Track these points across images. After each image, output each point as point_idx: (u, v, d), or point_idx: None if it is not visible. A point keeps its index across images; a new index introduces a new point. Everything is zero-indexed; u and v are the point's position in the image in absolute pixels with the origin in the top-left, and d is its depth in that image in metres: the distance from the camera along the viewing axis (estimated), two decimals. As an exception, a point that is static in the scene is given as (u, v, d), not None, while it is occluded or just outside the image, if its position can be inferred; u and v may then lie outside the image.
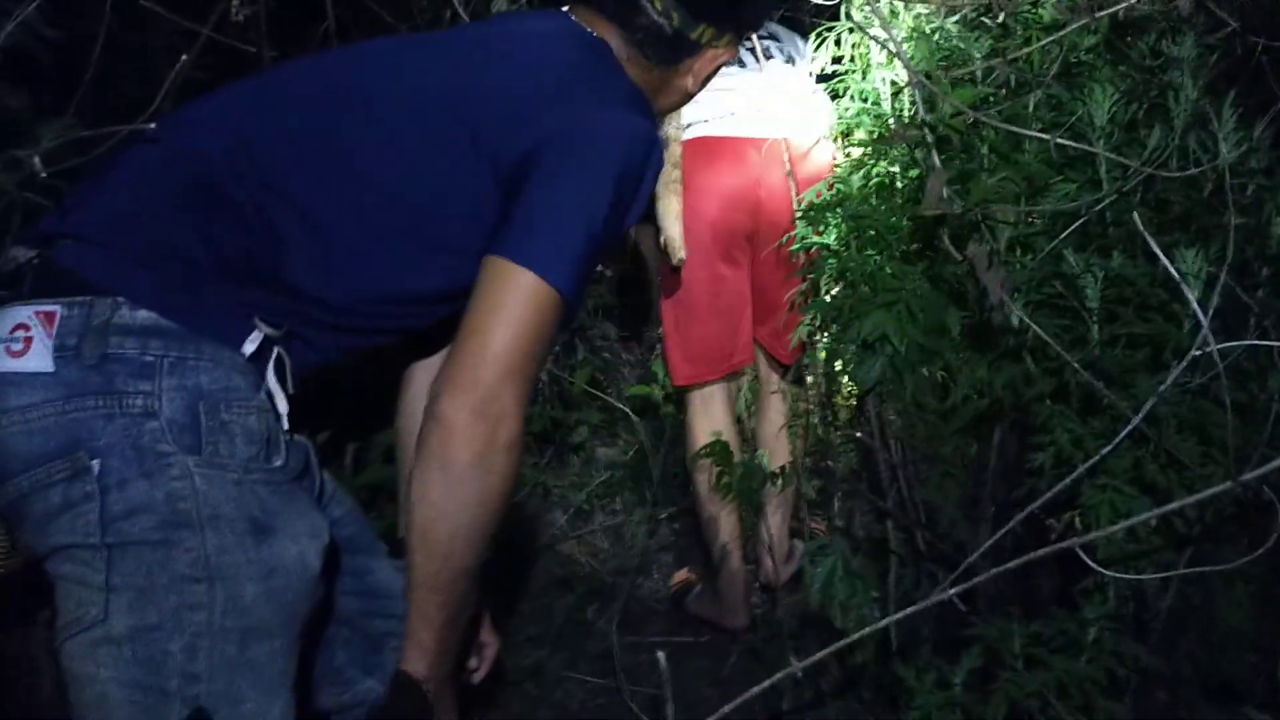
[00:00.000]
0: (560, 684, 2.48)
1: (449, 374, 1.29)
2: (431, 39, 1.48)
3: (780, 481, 2.22)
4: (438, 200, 1.37)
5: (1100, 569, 1.27)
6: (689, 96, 1.56)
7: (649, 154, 1.37)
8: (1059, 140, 1.27)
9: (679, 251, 2.38)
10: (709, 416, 2.60)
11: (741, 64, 2.47)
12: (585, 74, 1.42)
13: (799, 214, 1.79)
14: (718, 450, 2.32)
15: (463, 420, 1.27)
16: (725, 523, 2.60)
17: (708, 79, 1.55)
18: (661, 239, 2.40)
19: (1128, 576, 1.35)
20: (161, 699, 1.20)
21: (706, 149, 2.45)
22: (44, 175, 1.55)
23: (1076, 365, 1.38)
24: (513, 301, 1.29)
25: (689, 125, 2.46)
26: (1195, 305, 1.18)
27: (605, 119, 1.36)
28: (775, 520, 2.63)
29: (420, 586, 1.32)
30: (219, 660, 1.21)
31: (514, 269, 1.29)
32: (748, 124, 2.40)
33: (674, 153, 2.42)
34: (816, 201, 1.77)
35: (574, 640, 2.64)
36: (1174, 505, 1.19)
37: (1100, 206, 1.48)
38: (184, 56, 1.44)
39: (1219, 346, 1.19)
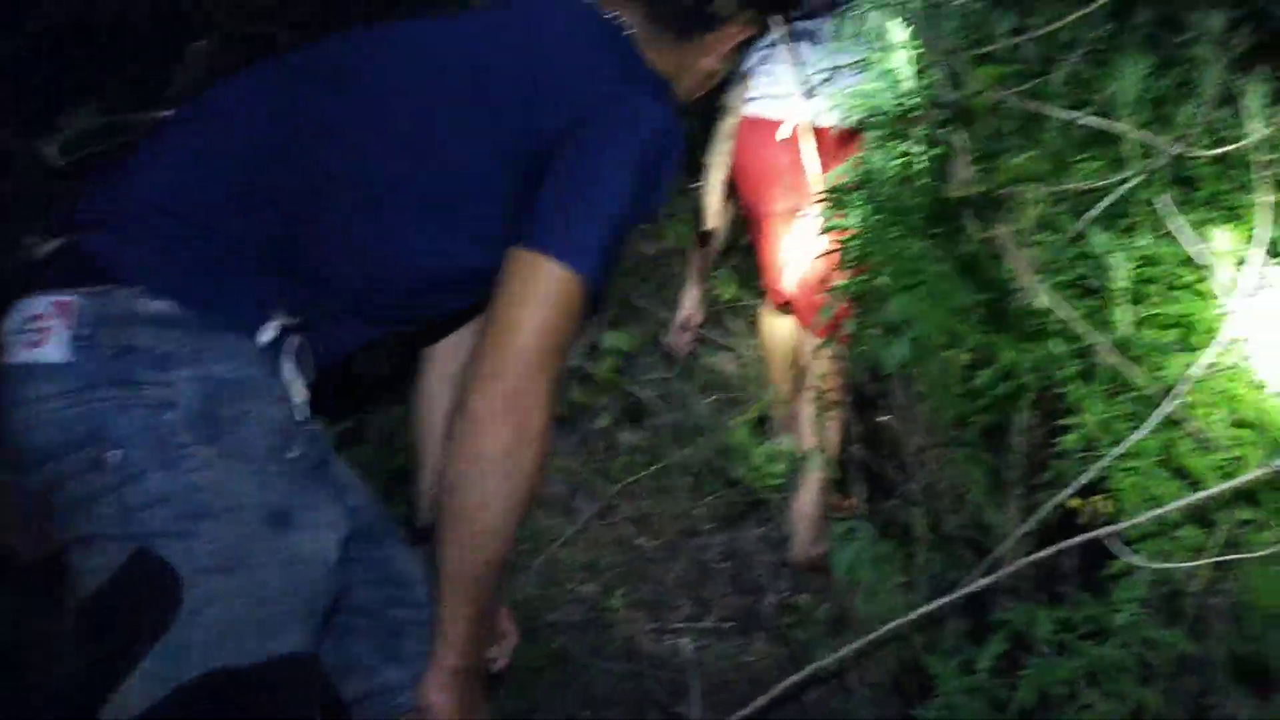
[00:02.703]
0: (584, 671, 2.48)
1: (478, 367, 1.29)
2: (452, 21, 1.47)
3: (808, 465, 2.21)
4: (460, 185, 1.36)
5: (1133, 559, 1.25)
6: (713, 78, 1.54)
7: (671, 140, 1.36)
8: (1085, 119, 1.25)
9: (710, 221, 2.46)
10: (772, 338, 2.85)
11: (813, 41, 2.51)
12: (606, 61, 1.41)
13: (823, 195, 1.77)
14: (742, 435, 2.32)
15: (493, 412, 1.27)
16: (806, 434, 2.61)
17: (732, 59, 1.53)
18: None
19: (1160, 565, 1.33)
20: None
21: (756, 126, 2.58)
22: (64, 164, 1.55)
23: (1105, 346, 1.36)
24: (540, 293, 1.29)
25: (750, 101, 2.53)
26: (1222, 282, 1.16)
27: (628, 106, 1.35)
28: (806, 499, 2.62)
29: (450, 579, 1.32)
30: (240, 652, 1.21)
31: (541, 260, 1.29)
32: (790, 105, 2.44)
33: (729, 124, 2.61)
34: (839, 184, 1.75)
35: (598, 628, 2.64)
36: (1207, 493, 1.17)
37: (1127, 185, 1.46)
38: (204, 41, 1.43)
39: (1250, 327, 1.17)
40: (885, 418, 1.70)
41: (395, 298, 1.42)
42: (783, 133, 2.45)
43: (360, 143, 1.35)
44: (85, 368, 1.21)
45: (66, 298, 1.23)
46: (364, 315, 1.42)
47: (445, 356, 1.66)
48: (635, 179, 1.32)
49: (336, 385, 1.68)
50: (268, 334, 1.30)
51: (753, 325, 3.29)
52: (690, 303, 3.01)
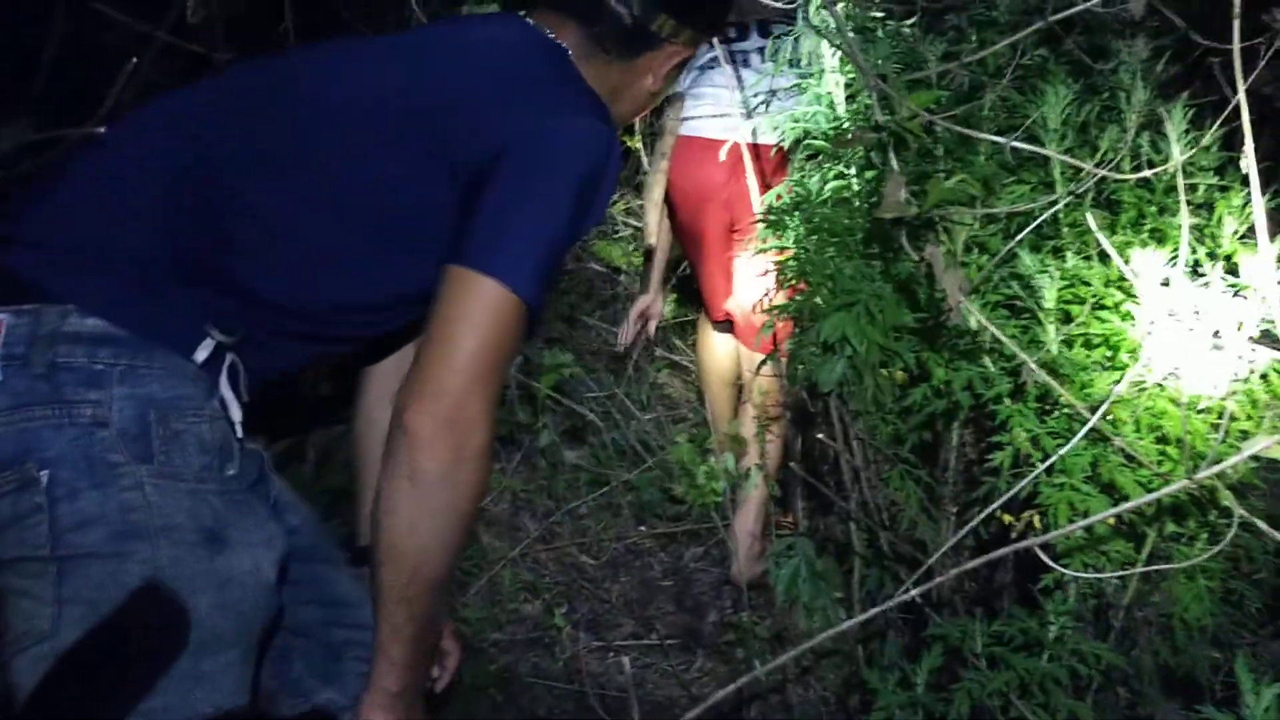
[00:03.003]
0: (527, 690, 2.48)
1: (415, 384, 1.28)
2: (389, 42, 1.47)
3: (749, 482, 2.22)
4: (395, 205, 1.36)
5: (1059, 567, 1.28)
6: (652, 99, 1.55)
7: (608, 157, 1.36)
8: (1014, 143, 1.28)
9: (649, 237, 2.64)
10: (711, 357, 2.87)
11: (747, 64, 2.54)
12: (542, 79, 1.42)
13: (759, 217, 1.79)
14: (685, 453, 2.33)
15: (430, 430, 1.26)
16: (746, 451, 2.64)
17: (672, 79, 1.54)
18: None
19: (1087, 575, 1.36)
20: None
21: (692, 146, 2.62)
22: (-2, 179, 1.53)
23: (1033, 365, 1.39)
24: (477, 310, 1.28)
25: (685, 120, 2.62)
26: (1145, 302, 1.19)
27: (564, 124, 1.35)
28: (746, 517, 2.64)
29: (389, 600, 1.31)
30: (172, 673, 1.19)
31: (477, 278, 1.29)
32: (727, 125, 2.47)
33: (666, 144, 2.65)
34: (776, 204, 1.78)
35: (541, 646, 2.64)
36: (1130, 505, 1.20)
37: (1055, 208, 1.50)
38: (134, 60, 1.43)
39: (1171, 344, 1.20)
40: (823, 435, 1.72)
41: (328, 319, 1.41)
42: (720, 153, 2.47)
43: (287, 170, 1.34)
44: (15, 387, 1.20)
45: None
46: (298, 335, 1.41)
47: (386, 376, 1.65)
48: (571, 197, 1.32)
49: (276, 403, 1.67)
50: (203, 352, 1.29)
51: (694, 344, 3.31)
52: (646, 297, 2.99)
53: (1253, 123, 1.24)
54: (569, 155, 1.34)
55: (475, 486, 1.29)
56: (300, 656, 1.48)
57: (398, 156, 1.35)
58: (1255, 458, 1.41)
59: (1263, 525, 1.44)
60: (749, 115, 2.38)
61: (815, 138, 1.68)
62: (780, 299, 1.86)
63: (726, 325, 2.85)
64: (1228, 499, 1.27)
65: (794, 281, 1.79)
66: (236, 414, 1.33)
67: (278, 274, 1.35)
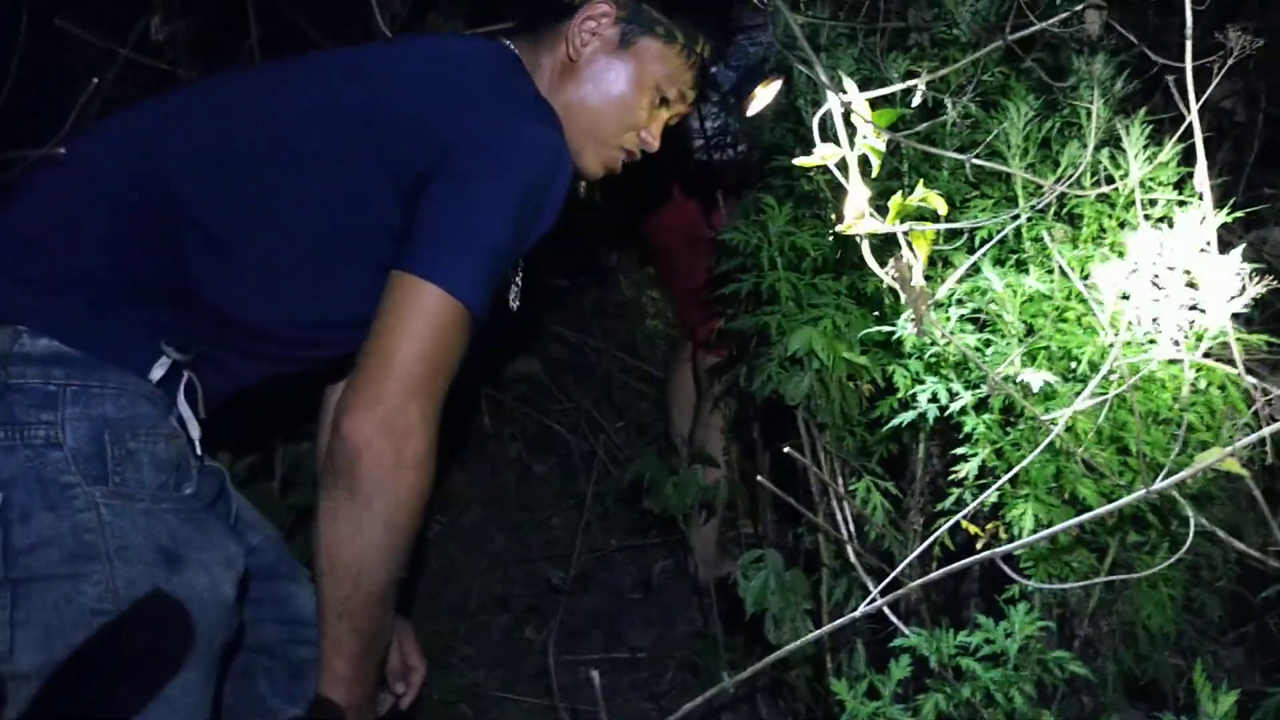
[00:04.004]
0: (497, 704, 2.48)
1: (353, 392, 1.27)
2: (346, 58, 1.47)
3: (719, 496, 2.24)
4: (348, 222, 1.36)
5: (1022, 578, 1.30)
6: (616, 103, 1.55)
7: (555, 164, 1.35)
8: (975, 160, 1.30)
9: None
10: (676, 369, 2.86)
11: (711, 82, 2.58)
12: (491, 86, 1.41)
13: (723, 232, 1.80)
14: (652, 465, 2.34)
15: (366, 438, 1.25)
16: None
17: (599, 48, 1.55)
18: None
19: (1049, 586, 1.38)
20: None
21: None
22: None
23: (997, 378, 1.41)
24: (416, 316, 1.28)
25: None
26: (1105, 316, 1.21)
27: (509, 128, 1.34)
28: (709, 524, 2.65)
29: (331, 613, 1.31)
30: (130, 694, 1.19)
31: (418, 284, 1.28)
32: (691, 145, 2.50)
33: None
34: (740, 220, 1.79)
35: (511, 659, 2.63)
36: (1091, 514, 1.22)
37: (1017, 223, 1.51)
38: (95, 79, 1.42)
39: (1129, 359, 1.22)
40: (789, 449, 1.73)
41: (284, 339, 1.40)
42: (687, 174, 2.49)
43: (235, 186, 1.34)
44: None
45: None
46: (255, 354, 1.41)
47: None
48: (517, 203, 1.32)
49: (242, 420, 1.66)
50: (159, 370, 1.28)
51: (663, 354, 3.32)
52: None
53: (1212, 135, 1.26)
54: (514, 159, 1.33)
55: (414, 494, 1.28)
56: (264, 675, 1.48)
57: (346, 176, 1.34)
58: (1214, 469, 1.44)
59: (1221, 534, 1.47)
60: (710, 134, 2.39)
61: (780, 155, 1.69)
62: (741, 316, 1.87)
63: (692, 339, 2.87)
64: (1186, 508, 1.29)
65: (758, 299, 1.80)
66: (195, 431, 1.33)
67: (228, 291, 1.34)
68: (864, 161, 1.48)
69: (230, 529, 1.37)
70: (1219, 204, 1.56)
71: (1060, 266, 1.53)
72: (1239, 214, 1.54)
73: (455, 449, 3.23)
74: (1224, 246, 1.49)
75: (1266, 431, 1.07)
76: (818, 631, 1.44)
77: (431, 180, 1.31)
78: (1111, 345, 1.44)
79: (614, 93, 1.54)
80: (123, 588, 1.20)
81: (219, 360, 1.37)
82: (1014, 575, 1.26)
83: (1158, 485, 1.13)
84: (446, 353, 1.30)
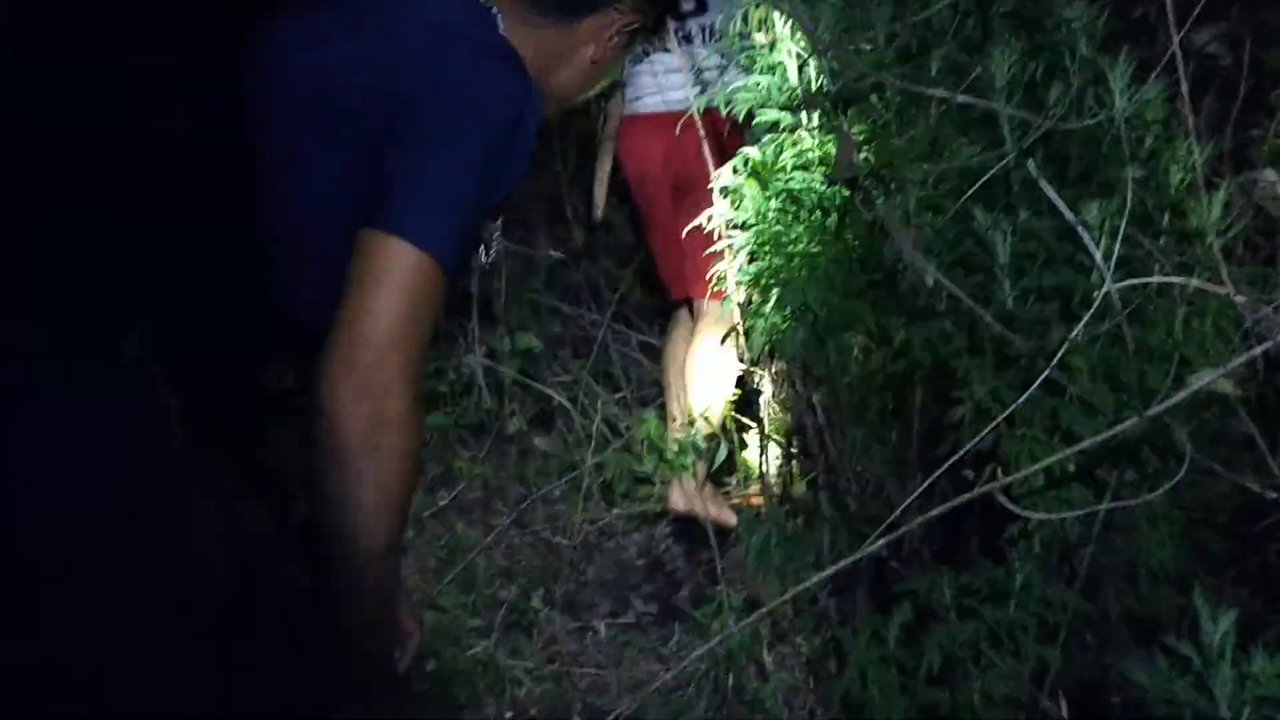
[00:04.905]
0: (506, 673, 2.49)
1: (327, 357, 1.25)
2: (303, 23, 1.42)
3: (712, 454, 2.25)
4: (336, 229, 1.33)
5: (1021, 511, 1.31)
6: (596, 71, 1.52)
7: (521, 113, 1.33)
8: (961, 98, 1.30)
9: (597, 210, 2.81)
10: (671, 337, 2.92)
11: (689, 39, 2.58)
12: (455, 36, 1.38)
13: (715, 187, 1.80)
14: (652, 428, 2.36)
15: (343, 402, 1.24)
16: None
17: (615, 50, 1.52)
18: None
19: (1047, 515, 1.39)
20: None
21: (637, 124, 2.71)
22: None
23: (990, 319, 1.42)
24: (387, 275, 1.26)
25: (632, 100, 2.75)
26: (1096, 253, 1.22)
27: (473, 77, 1.32)
28: (706, 487, 2.67)
29: None
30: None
31: (388, 241, 1.26)
32: (674, 100, 2.51)
33: (611, 126, 2.79)
34: (731, 175, 1.79)
35: (519, 629, 2.65)
36: (1086, 443, 1.23)
37: (1004, 163, 1.52)
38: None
39: (1119, 285, 1.23)
40: (787, 399, 1.74)
41: (281, 319, 1.40)
42: (670, 127, 2.49)
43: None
44: None
45: None
46: (247, 331, 1.40)
47: None
48: (486, 156, 1.29)
49: (238, 397, 1.67)
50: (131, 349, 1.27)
51: (658, 323, 3.33)
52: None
53: (1196, 79, 1.27)
54: (479, 109, 1.31)
55: (400, 454, 1.27)
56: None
57: (324, 168, 1.33)
58: (1208, 397, 1.45)
59: (1217, 467, 1.48)
60: (699, 89, 2.39)
61: (769, 105, 1.70)
62: (736, 269, 1.88)
63: (686, 303, 2.87)
64: (1181, 437, 1.30)
65: (751, 252, 1.81)
66: (178, 408, 1.32)
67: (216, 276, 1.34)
68: (849, 107, 1.48)
69: (225, 501, 1.38)
70: (1206, 142, 1.57)
71: (1048, 206, 1.54)
72: (1224, 153, 1.55)
73: (455, 426, 3.25)
74: (1210, 187, 1.50)
75: (1258, 350, 1.08)
76: (819, 575, 1.45)
77: (395, 132, 1.29)
78: (1103, 282, 1.44)
79: (596, 75, 1.54)
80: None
81: (212, 335, 1.38)
82: (1013, 508, 1.27)
83: (1152, 410, 1.14)
84: (421, 310, 1.27)
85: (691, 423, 2.62)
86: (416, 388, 1.28)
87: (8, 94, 1.23)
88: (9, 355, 1.17)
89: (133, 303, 1.25)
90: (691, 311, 2.87)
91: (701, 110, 2.16)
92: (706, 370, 2.65)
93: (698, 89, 2.40)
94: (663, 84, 2.67)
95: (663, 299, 3.13)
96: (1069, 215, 1.28)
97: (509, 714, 2.38)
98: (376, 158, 1.29)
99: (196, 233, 1.30)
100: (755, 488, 2.60)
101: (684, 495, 2.71)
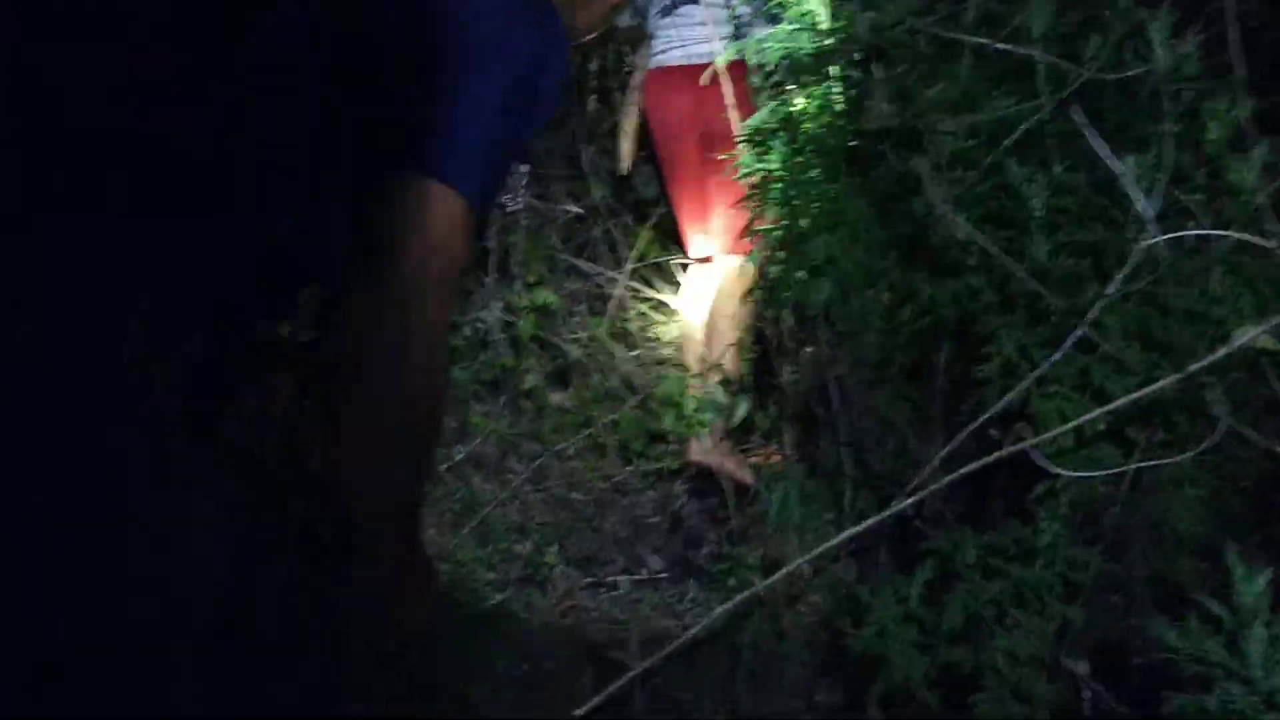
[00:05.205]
0: (521, 625, 2.49)
1: (359, 300, 1.23)
2: None
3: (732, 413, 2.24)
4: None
5: (1051, 467, 1.29)
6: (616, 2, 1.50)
7: (551, 49, 1.32)
8: (998, 45, 1.27)
9: (624, 164, 2.81)
10: (694, 293, 2.93)
11: None
12: None
13: (742, 138, 1.78)
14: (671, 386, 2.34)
15: (376, 346, 1.22)
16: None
17: None
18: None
19: (1077, 474, 1.37)
20: None
21: (663, 77, 2.69)
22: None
23: (1022, 274, 1.39)
24: (423, 216, 1.24)
25: (657, 53, 2.74)
26: (1142, 201, 1.19)
27: (499, 13, 1.29)
28: (723, 443, 2.66)
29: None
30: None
31: (422, 182, 1.25)
32: (701, 52, 2.48)
33: (637, 79, 2.80)
34: (759, 125, 1.76)
35: (534, 584, 2.64)
36: (1119, 402, 1.21)
37: (1039, 115, 1.49)
38: None
39: (1163, 238, 1.20)
40: (812, 352, 1.72)
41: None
42: (698, 78, 2.47)
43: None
44: None
45: None
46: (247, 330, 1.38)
47: None
48: (513, 92, 1.28)
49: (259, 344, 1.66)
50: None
51: (676, 280, 3.31)
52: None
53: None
54: (505, 43, 1.28)
55: (432, 400, 1.27)
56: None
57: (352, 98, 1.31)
58: (1239, 363, 1.42)
59: (1248, 431, 1.45)
60: (726, 39, 2.36)
61: (799, 56, 1.67)
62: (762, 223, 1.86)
63: (709, 258, 2.85)
64: (1214, 396, 1.28)
65: (777, 205, 1.78)
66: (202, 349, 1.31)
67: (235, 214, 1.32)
68: (881, 56, 1.45)
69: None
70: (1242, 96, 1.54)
71: (1084, 161, 1.51)
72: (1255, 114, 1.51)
73: (472, 381, 3.23)
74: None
75: (1301, 307, 1.05)
76: (842, 535, 1.44)
77: (421, 73, 1.27)
78: (1139, 237, 1.42)
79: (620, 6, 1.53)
80: None
81: (228, 276, 1.36)
82: (1048, 465, 1.25)
83: (1192, 367, 1.12)
84: (454, 251, 1.27)
85: (710, 379, 2.60)
86: (448, 331, 1.27)
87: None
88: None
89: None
90: (714, 267, 2.84)
91: (728, 62, 2.13)
92: (727, 325, 2.63)
93: (725, 40, 2.37)
94: (688, 36, 2.64)
95: (682, 254, 3.11)
96: (1115, 165, 1.25)
97: (524, 666, 2.38)
98: (402, 95, 1.27)
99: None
100: (774, 446, 2.59)
101: (703, 449, 2.70)
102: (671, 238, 3.24)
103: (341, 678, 1.35)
